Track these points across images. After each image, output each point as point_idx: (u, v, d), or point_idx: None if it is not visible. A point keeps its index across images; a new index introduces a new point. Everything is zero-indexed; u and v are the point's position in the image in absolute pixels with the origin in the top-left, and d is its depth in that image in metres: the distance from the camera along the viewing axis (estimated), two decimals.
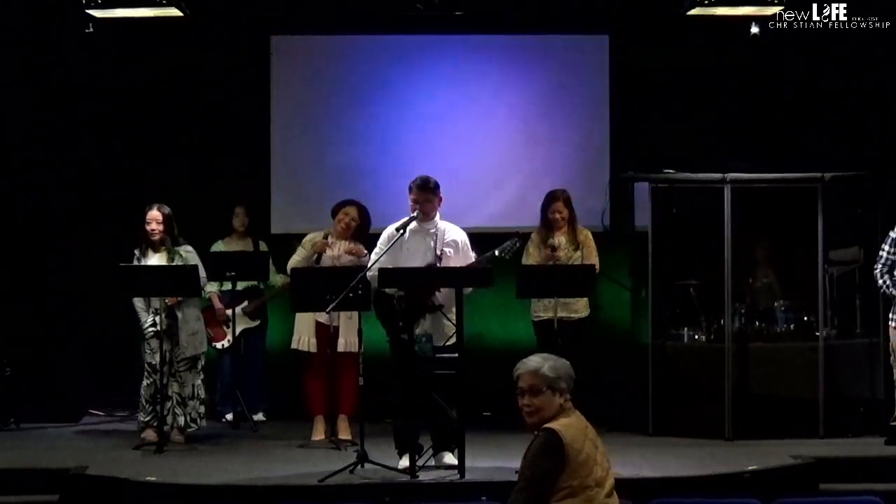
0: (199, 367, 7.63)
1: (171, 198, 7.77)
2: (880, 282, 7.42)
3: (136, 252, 7.61)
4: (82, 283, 8.75)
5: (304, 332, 7.70)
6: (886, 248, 7.42)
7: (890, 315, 7.41)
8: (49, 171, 8.80)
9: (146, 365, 7.58)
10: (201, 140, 9.17)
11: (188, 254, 7.64)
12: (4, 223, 8.66)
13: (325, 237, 7.68)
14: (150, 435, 7.45)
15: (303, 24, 9.21)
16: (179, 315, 7.49)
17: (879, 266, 7.43)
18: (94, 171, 9.03)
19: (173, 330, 7.44)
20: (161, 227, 7.54)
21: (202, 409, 7.65)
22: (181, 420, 7.50)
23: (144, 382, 7.56)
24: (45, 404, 8.41)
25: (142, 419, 7.57)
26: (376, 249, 6.78)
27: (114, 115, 9.11)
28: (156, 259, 7.57)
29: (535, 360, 4.38)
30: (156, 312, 7.50)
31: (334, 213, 7.82)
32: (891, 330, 7.41)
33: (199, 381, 7.60)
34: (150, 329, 7.53)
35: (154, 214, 7.55)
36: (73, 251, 8.80)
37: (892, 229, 7.42)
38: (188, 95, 9.15)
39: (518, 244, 6.99)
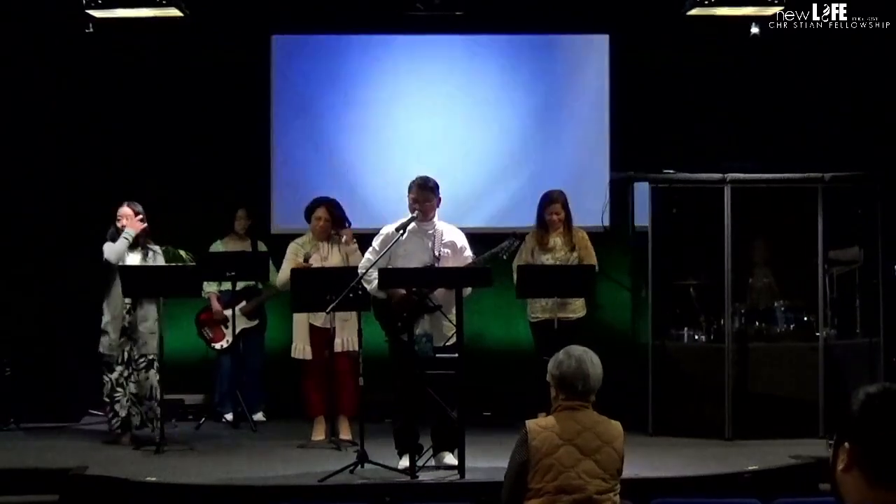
0: (156, 367, 7.55)
1: (171, 197, 7.78)
2: None
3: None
4: (82, 284, 8.74)
5: (299, 340, 7.72)
6: None
7: None
8: (49, 172, 8.81)
9: (104, 362, 7.53)
10: (201, 140, 9.16)
11: (157, 254, 7.66)
12: (4, 224, 8.66)
13: (306, 259, 7.67)
14: (125, 439, 7.49)
15: (303, 24, 9.21)
16: (140, 312, 7.48)
17: None
18: (93, 171, 9.03)
19: (133, 327, 7.43)
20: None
21: (158, 409, 7.53)
22: (136, 420, 7.46)
23: (105, 379, 7.52)
24: (45, 404, 8.42)
25: (114, 422, 7.55)
26: (372, 248, 6.76)
27: (114, 116, 9.11)
28: (133, 258, 7.57)
29: (566, 347, 4.42)
30: (125, 308, 7.47)
31: (308, 217, 7.85)
32: None
33: (156, 382, 7.55)
34: (110, 326, 7.52)
35: (125, 211, 7.55)
36: (73, 251, 8.80)
37: None
38: (188, 95, 9.15)
39: (516, 244, 6.98)
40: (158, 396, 7.56)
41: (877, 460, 2.15)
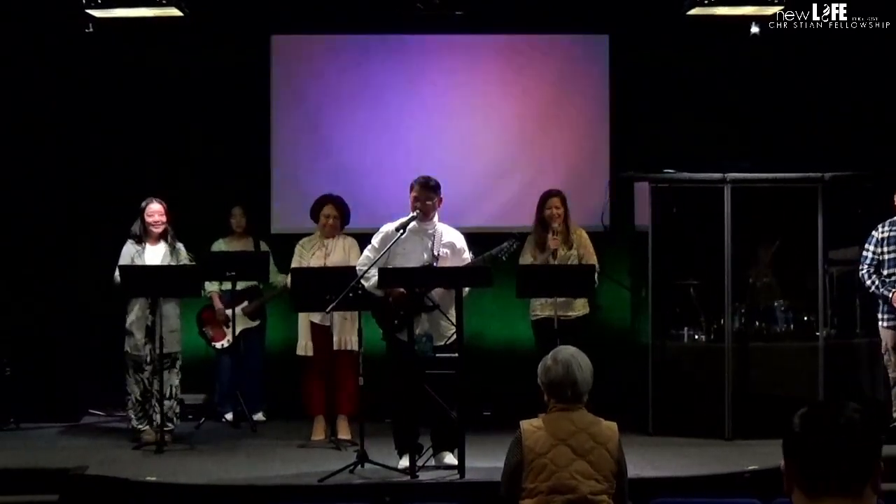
0: (178, 366, 7.63)
1: (171, 198, 7.78)
2: (868, 282, 7.41)
3: (133, 244, 7.59)
4: (82, 283, 8.75)
5: (303, 337, 7.76)
6: (871, 248, 7.43)
7: (879, 315, 7.42)
8: (49, 172, 8.81)
9: (131, 362, 7.57)
10: (201, 140, 9.17)
11: (180, 251, 7.67)
12: (4, 224, 8.66)
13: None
14: (149, 435, 7.47)
15: (303, 24, 9.21)
16: (161, 311, 7.49)
17: (865, 267, 7.43)
18: (93, 171, 9.03)
19: (155, 327, 7.45)
20: (164, 219, 7.59)
21: (178, 408, 7.67)
22: (157, 418, 7.47)
23: (132, 380, 7.58)
24: (45, 404, 8.41)
25: (135, 421, 7.59)
26: (371, 246, 6.75)
27: (113, 116, 9.11)
28: (157, 250, 7.59)
29: (555, 349, 4.38)
30: (147, 307, 7.50)
31: (315, 215, 7.85)
32: (881, 329, 7.41)
33: (176, 381, 7.60)
34: (134, 326, 7.55)
35: (156, 207, 7.59)
36: (72, 251, 8.80)
37: (875, 229, 7.44)
38: (188, 95, 9.15)
39: (515, 246, 6.97)
40: (178, 395, 7.63)
41: (806, 472, 2.27)
